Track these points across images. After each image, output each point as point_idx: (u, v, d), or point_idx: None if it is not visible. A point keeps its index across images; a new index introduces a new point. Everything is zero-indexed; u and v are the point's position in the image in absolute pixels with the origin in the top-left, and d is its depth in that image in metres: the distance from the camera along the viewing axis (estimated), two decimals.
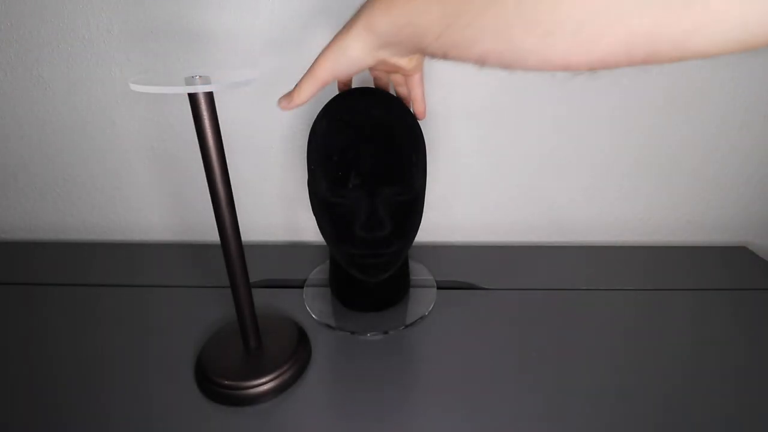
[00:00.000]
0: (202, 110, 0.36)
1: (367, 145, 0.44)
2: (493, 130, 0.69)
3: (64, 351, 0.51)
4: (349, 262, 0.50)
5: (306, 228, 0.76)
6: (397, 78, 0.48)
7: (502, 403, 0.45)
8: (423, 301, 0.59)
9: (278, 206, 0.74)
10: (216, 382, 0.45)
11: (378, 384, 0.47)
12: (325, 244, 0.77)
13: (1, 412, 0.44)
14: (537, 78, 0.65)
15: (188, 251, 0.72)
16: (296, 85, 0.40)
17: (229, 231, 0.43)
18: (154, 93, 0.44)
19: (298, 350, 0.49)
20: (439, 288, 0.62)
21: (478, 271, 0.66)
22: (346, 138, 0.45)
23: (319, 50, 0.38)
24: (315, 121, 0.49)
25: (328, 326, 0.55)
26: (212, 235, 0.76)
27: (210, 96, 0.36)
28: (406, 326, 0.55)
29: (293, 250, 0.74)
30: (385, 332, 0.54)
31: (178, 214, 0.75)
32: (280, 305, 0.58)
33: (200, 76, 0.36)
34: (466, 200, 0.74)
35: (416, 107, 0.49)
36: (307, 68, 0.39)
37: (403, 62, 0.39)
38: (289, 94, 0.40)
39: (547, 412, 0.44)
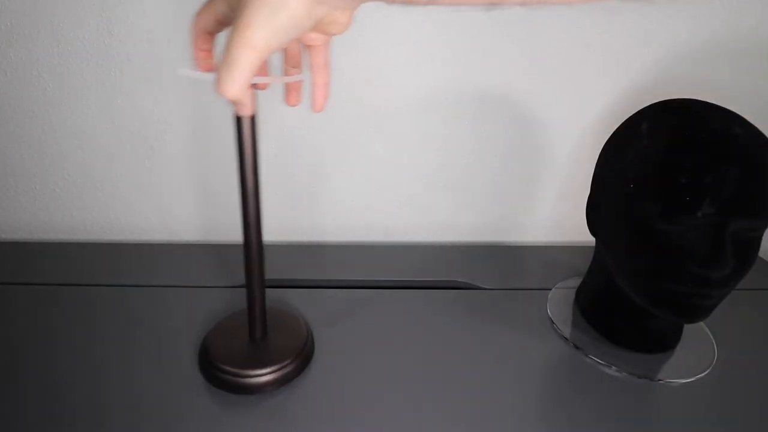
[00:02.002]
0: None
1: (732, 169, 0.38)
2: (489, 127, 0.69)
3: (66, 347, 0.51)
4: (664, 299, 0.43)
5: (305, 228, 0.76)
6: (317, 59, 0.39)
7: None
8: (697, 357, 0.51)
9: (279, 206, 0.74)
10: (218, 367, 0.45)
11: (381, 385, 0.47)
12: (334, 243, 0.78)
13: (6, 411, 0.44)
14: (540, 73, 0.65)
15: (189, 251, 0.72)
16: (222, 68, 0.30)
17: (252, 214, 0.42)
18: (202, 80, 0.44)
19: (302, 346, 0.49)
20: (438, 288, 0.62)
21: (475, 271, 0.66)
22: (701, 158, 0.38)
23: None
24: (626, 130, 0.45)
25: (585, 354, 0.51)
26: (213, 235, 0.76)
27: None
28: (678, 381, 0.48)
29: (293, 249, 0.73)
30: (653, 380, 0.48)
31: (178, 214, 0.75)
32: (282, 303, 0.58)
33: None
34: (461, 200, 0.74)
35: (318, 94, 0.40)
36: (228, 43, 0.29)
37: (344, 18, 0.32)
38: (218, 82, 0.31)
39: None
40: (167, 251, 0.72)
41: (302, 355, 0.48)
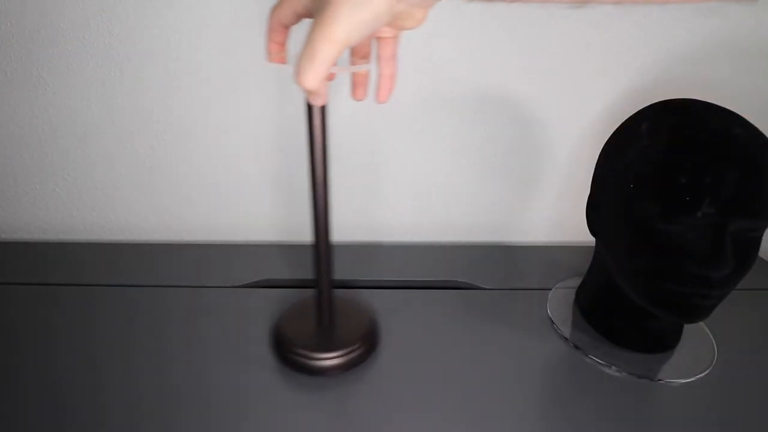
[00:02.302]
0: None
1: (732, 170, 0.38)
2: (489, 127, 0.69)
3: (66, 347, 0.51)
4: (664, 299, 0.43)
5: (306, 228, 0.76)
6: (386, 51, 0.40)
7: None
8: (698, 357, 0.51)
9: (277, 206, 0.74)
10: (290, 349, 0.48)
11: (378, 384, 0.47)
12: (334, 243, 0.77)
13: (6, 411, 0.44)
14: (540, 65, 0.65)
15: (189, 251, 0.72)
16: (303, 60, 0.31)
17: (321, 203, 0.44)
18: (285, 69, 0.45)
19: (367, 334, 0.51)
20: (438, 288, 0.62)
21: (475, 271, 0.66)
22: (701, 158, 0.39)
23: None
24: (626, 130, 0.46)
25: (586, 355, 0.51)
26: (213, 235, 0.76)
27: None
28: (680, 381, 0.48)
29: (294, 249, 0.73)
30: (653, 380, 0.48)
31: (178, 214, 0.75)
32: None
33: None
34: (460, 199, 0.74)
35: (384, 85, 0.41)
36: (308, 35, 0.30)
37: (420, 14, 0.33)
38: (299, 74, 0.31)
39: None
40: (167, 251, 0.72)
41: (367, 344, 0.50)
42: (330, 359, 0.47)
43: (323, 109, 0.40)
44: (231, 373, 0.48)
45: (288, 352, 0.49)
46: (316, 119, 0.40)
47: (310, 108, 0.39)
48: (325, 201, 0.44)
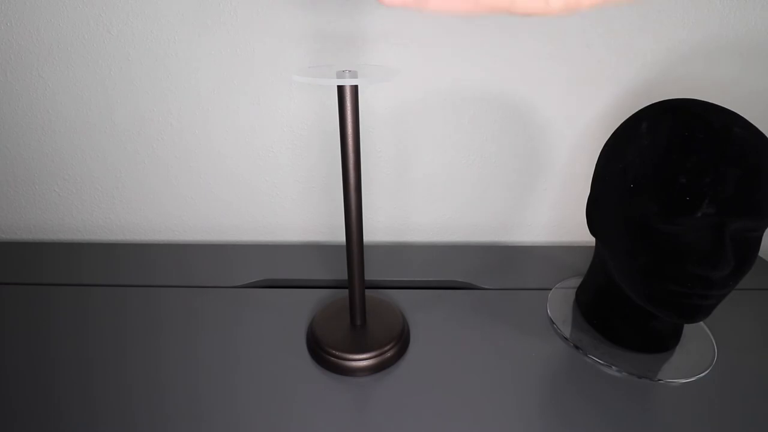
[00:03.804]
0: (347, 100, 0.41)
1: (732, 170, 0.38)
2: (489, 127, 0.69)
3: (65, 347, 0.51)
4: (664, 299, 0.43)
5: (306, 228, 0.76)
6: None
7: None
8: (698, 357, 0.51)
9: (276, 206, 0.75)
10: (325, 350, 0.50)
11: (375, 385, 0.47)
12: (333, 243, 0.77)
13: (6, 411, 0.44)
14: (539, 68, 0.65)
15: (188, 251, 0.72)
16: None
17: (353, 204, 0.46)
18: (312, 84, 0.45)
19: (398, 336, 0.52)
20: (438, 288, 0.62)
21: (475, 271, 0.66)
22: (701, 158, 0.38)
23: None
24: (626, 130, 0.46)
25: (585, 354, 0.51)
26: (212, 235, 0.76)
27: (355, 89, 0.41)
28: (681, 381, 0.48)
29: (296, 249, 0.73)
30: (653, 380, 0.48)
31: (178, 215, 0.75)
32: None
33: (349, 71, 0.41)
34: (460, 200, 0.74)
35: None
36: None
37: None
38: None
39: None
40: (167, 251, 0.72)
41: (398, 345, 0.51)
42: (361, 360, 0.49)
43: (356, 114, 0.42)
44: (230, 374, 0.48)
45: (322, 352, 0.50)
46: (348, 102, 0.42)
47: (341, 92, 0.41)
48: (358, 204, 0.45)
